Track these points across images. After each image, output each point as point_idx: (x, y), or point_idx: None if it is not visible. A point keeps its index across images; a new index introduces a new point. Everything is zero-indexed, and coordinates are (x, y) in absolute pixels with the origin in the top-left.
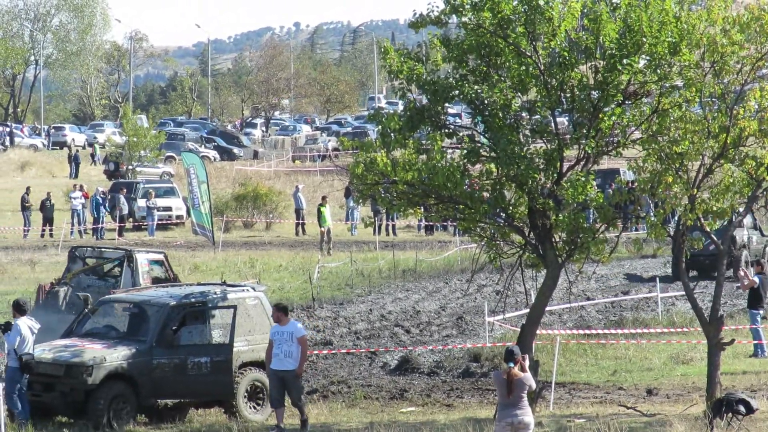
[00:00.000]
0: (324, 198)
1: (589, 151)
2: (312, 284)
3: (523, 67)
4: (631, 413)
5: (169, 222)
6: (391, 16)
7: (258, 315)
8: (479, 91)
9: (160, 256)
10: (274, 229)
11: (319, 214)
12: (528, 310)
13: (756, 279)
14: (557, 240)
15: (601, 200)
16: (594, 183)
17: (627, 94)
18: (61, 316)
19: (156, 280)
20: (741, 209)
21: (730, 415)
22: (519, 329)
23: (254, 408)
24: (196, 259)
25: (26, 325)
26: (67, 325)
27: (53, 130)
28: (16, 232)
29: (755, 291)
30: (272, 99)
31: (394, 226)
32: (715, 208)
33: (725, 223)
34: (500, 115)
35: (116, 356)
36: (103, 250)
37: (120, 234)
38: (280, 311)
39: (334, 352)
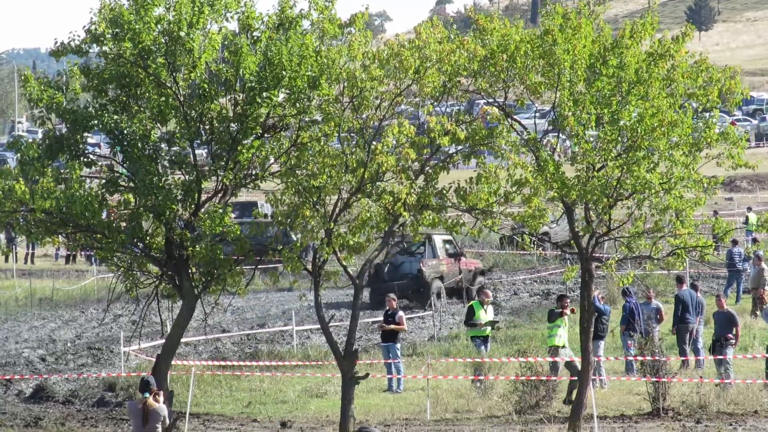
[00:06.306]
0: None
1: (228, 183)
2: None
3: (163, 98)
4: None
5: None
6: (33, 44)
7: None
8: (119, 121)
9: (450, 237)
10: None
11: None
12: (164, 341)
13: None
14: (194, 271)
15: (238, 232)
16: (231, 215)
17: (266, 127)
18: (385, 285)
19: (450, 255)
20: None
21: None
22: (154, 359)
23: None
24: None
25: None
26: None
27: None
28: None
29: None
30: None
31: (32, 254)
32: (351, 242)
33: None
34: (139, 145)
35: None
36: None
37: None
38: None
39: None
